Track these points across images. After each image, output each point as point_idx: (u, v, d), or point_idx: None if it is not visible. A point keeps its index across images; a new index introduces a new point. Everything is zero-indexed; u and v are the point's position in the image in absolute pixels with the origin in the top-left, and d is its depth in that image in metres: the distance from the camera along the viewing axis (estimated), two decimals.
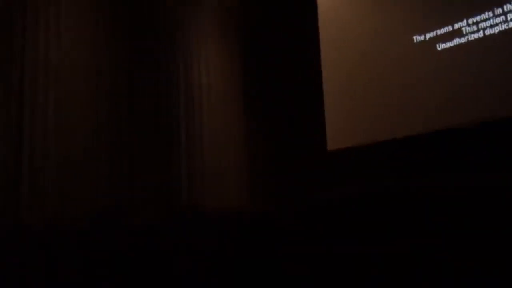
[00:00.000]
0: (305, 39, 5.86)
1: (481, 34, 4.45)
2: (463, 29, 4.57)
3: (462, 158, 4.28)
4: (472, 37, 4.51)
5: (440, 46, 4.73)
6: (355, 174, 4.97)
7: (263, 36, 6.07)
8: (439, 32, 4.74)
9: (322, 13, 5.76)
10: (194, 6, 5.64)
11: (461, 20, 4.59)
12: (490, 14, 4.39)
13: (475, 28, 4.49)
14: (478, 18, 4.47)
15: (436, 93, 4.66)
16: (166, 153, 5.06)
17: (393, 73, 5.02)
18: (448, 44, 4.68)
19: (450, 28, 4.67)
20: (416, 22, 4.91)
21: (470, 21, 4.53)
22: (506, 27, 4.29)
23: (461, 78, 4.52)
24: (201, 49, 5.62)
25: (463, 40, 4.57)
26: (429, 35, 4.81)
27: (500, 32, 4.32)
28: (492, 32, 4.38)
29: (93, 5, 4.87)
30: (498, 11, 4.34)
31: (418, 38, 4.88)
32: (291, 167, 5.62)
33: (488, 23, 4.40)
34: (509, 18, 4.27)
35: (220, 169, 5.40)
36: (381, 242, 1.50)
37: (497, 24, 4.35)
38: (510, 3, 4.26)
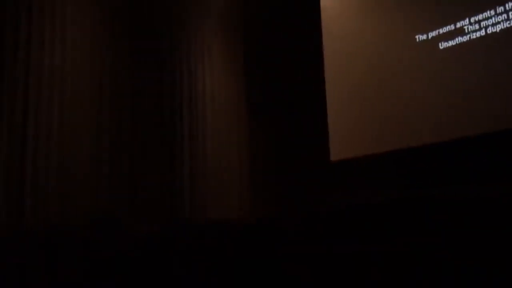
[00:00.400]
0: (309, 45, 5.84)
1: (483, 32, 4.43)
2: (466, 27, 4.55)
3: (468, 169, 4.24)
4: (474, 35, 4.50)
5: (443, 45, 4.71)
6: (357, 185, 4.95)
7: (267, 41, 6.06)
8: (441, 31, 4.73)
9: (325, 19, 5.73)
10: (199, 8, 5.63)
11: (464, 19, 4.57)
12: (492, 12, 4.37)
13: (477, 26, 4.47)
14: (480, 16, 4.45)
15: (441, 101, 4.60)
16: (168, 155, 5.07)
17: (397, 78, 4.98)
18: (451, 43, 4.66)
19: (452, 27, 4.65)
20: (419, 22, 4.90)
21: (472, 19, 4.51)
22: (508, 25, 4.27)
23: (464, 79, 4.49)
24: (205, 52, 5.62)
25: (465, 38, 4.56)
26: (431, 34, 4.79)
27: (502, 30, 4.31)
28: (494, 31, 4.36)
29: (98, 7, 4.88)
30: (500, 9, 4.32)
31: (420, 37, 4.87)
32: (293, 174, 5.60)
33: (490, 22, 4.39)
34: (511, 16, 4.25)
35: (222, 173, 5.39)
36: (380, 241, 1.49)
37: (499, 23, 4.33)
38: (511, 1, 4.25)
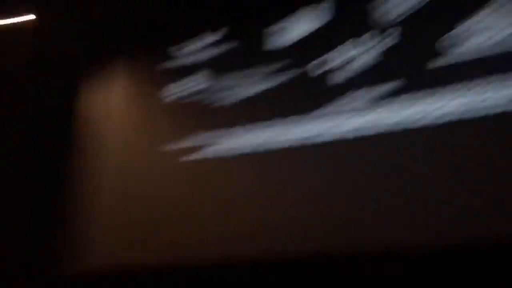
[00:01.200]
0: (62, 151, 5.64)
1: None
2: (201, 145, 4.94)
3: None
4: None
5: (183, 159, 4.99)
6: None
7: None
8: (182, 146, 5.03)
9: (82, 132, 5.65)
10: None
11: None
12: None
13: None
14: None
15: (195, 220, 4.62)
16: None
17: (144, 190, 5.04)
18: (190, 158, 4.97)
19: (190, 143, 5.00)
20: (164, 136, 5.14)
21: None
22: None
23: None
24: None
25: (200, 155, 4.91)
26: (173, 148, 5.06)
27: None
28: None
29: None
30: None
31: (163, 149, 5.10)
32: None
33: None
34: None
35: None
36: None
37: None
38: None
